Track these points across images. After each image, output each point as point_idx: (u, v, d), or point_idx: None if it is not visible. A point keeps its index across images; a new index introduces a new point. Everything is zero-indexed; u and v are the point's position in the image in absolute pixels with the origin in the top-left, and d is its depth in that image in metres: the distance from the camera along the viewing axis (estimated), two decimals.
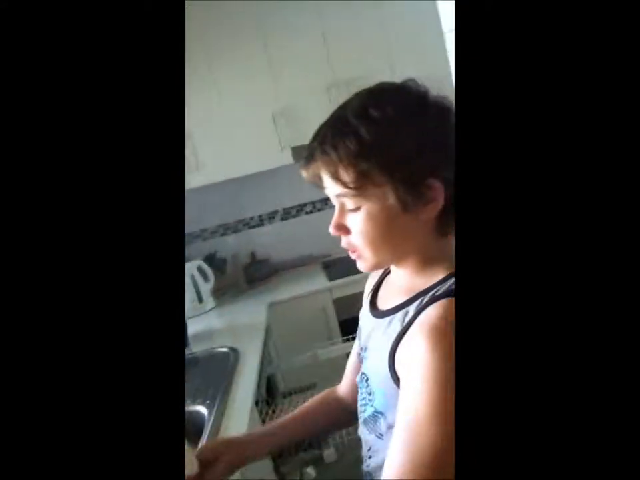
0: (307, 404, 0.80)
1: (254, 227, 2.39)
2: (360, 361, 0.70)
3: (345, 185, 0.55)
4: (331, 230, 0.60)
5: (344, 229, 0.59)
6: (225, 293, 2.15)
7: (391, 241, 0.58)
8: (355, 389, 0.74)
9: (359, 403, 0.67)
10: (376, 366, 0.59)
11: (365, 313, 0.70)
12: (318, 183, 0.61)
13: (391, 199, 0.54)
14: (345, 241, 0.61)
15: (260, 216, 2.39)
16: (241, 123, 2.00)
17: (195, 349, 1.56)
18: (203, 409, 1.09)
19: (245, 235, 2.38)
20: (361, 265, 0.62)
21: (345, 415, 0.78)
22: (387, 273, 0.70)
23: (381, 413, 0.59)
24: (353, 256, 0.62)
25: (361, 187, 0.54)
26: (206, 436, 0.94)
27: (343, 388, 0.81)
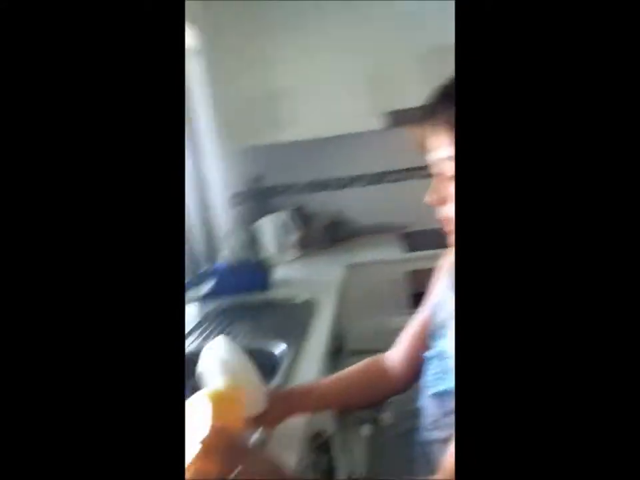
0: (354, 371, 0.80)
1: (340, 188, 2.45)
2: (431, 336, 0.70)
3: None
4: (429, 198, 0.58)
5: (442, 198, 0.58)
6: (305, 247, 2.26)
7: None
8: (408, 359, 0.77)
9: (430, 377, 0.68)
10: None
11: (446, 291, 0.69)
12: (421, 147, 0.59)
13: None
14: (440, 212, 0.59)
15: (346, 178, 2.44)
16: (337, 85, 2.03)
17: (273, 295, 1.69)
18: (276, 352, 1.20)
19: (330, 195, 2.45)
20: (451, 238, 0.59)
21: (390, 387, 0.80)
22: None
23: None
24: (447, 229, 0.59)
25: None
26: (278, 378, 1.03)
27: (394, 356, 0.81)
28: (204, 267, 2.00)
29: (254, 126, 2.11)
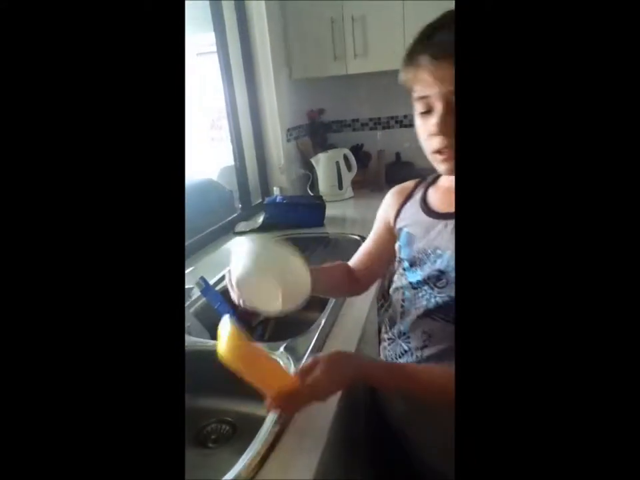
0: (330, 265, 0.88)
1: (406, 126, 2.30)
2: (416, 263, 0.72)
3: None
4: (434, 129, 0.61)
5: (448, 129, 0.60)
6: (363, 186, 2.17)
7: None
8: (362, 268, 0.87)
9: (410, 305, 0.72)
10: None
11: (421, 221, 0.72)
12: (414, 84, 0.63)
13: None
14: (442, 142, 0.62)
15: (410, 117, 2.28)
16: (407, 16, 1.86)
17: (328, 230, 1.64)
18: None
19: (394, 133, 2.31)
20: (447, 166, 0.64)
21: (348, 286, 0.88)
22: (427, 183, 0.77)
23: None
24: (442, 156, 0.64)
25: None
26: (330, 306, 1.01)
27: (353, 264, 0.88)
28: (257, 200, 1.97)
29: (317, 58, 2.00)
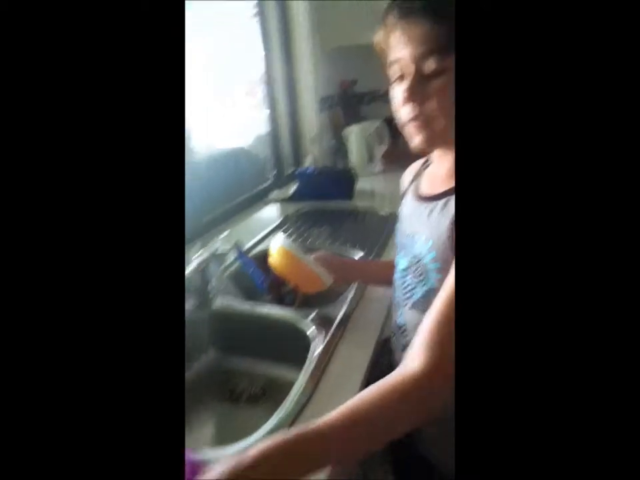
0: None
1: None
2: (401, 248, 0.71)
3: (438, 40, 0.54)
4: (405, 96, 0.58)
5: (419, 96, 0.57)
6: (394, 160, 2.16)
7: None
8: None
9: (402, 295, 0.69)
10: (432, 244, 0.61)
11: (409, 204, 0.71)
12: (385, 48, 0.60)
13: None
14: (414, 110, 0.58)
15: None
16: None
17: (357, 204, 1.66)
18: (358, 255, 1.19)
19: None
20: (420, 138, 0.60)
21: None
22: (425, 165, 0.74)
23: (436, 290, 0.60)
24: (414, 127, 0.60)
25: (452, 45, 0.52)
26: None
27: None
28: (290, 170, 1.99)
29: (350, 26, 1.96)
